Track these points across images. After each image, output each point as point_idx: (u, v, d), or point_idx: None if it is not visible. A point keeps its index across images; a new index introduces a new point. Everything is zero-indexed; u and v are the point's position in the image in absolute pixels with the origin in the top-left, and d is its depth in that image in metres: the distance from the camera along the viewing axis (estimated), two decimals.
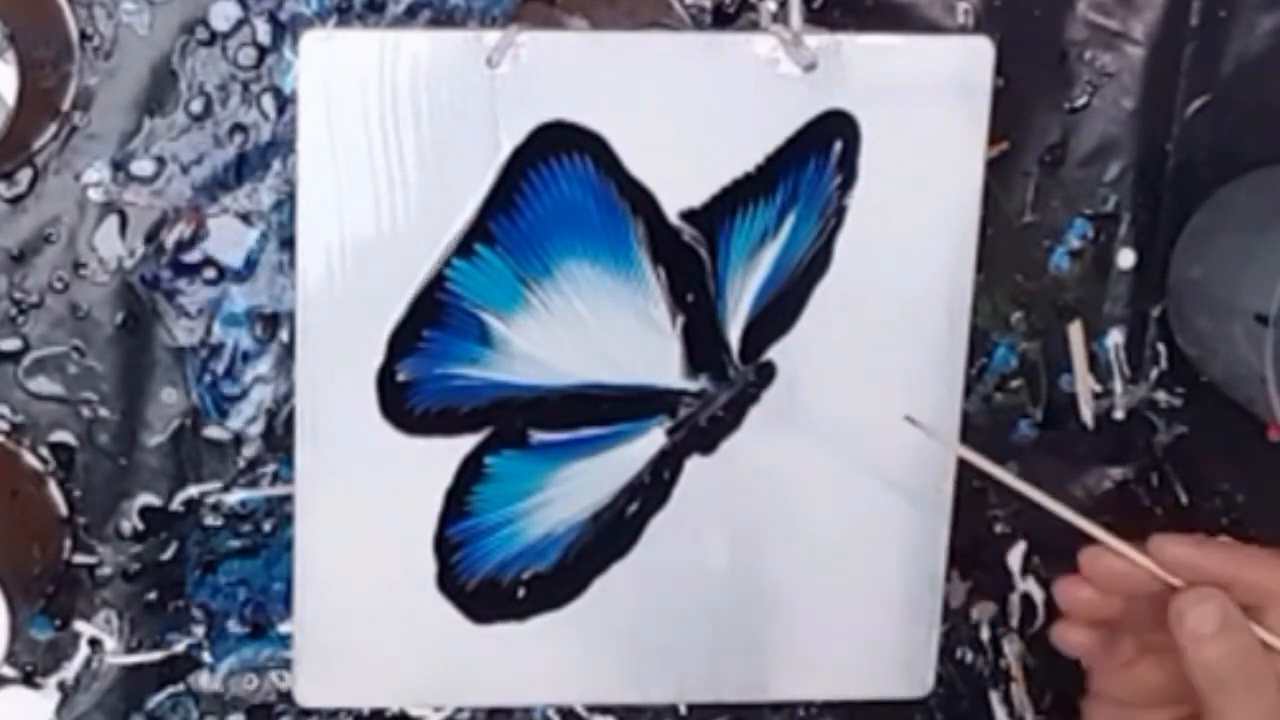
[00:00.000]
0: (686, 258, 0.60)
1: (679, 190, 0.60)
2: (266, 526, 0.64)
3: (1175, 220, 0.65)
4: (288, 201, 0.62)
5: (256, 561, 0.65)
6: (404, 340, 0.60)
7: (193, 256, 0.62)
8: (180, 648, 0.65)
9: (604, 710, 0.67)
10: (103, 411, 0.63)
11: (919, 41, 0.61)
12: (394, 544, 0.62)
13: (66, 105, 0.61)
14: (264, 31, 0.61)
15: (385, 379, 0.60)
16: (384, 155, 0.59)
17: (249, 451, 0.64)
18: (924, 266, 0.61)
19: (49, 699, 0.64)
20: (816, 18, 0.62)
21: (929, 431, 0.60)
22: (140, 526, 0.64)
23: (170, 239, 0.62)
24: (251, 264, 0.63)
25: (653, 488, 0.62)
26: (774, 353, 0.62)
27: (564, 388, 0.61)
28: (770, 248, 0.61)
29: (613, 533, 0.62)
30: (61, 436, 0.63)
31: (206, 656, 0.65)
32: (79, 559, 0.64)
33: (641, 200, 0.60)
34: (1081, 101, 0.65)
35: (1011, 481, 0.59)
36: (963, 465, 0.63)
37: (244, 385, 0.63)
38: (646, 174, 0.59)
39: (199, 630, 0.65)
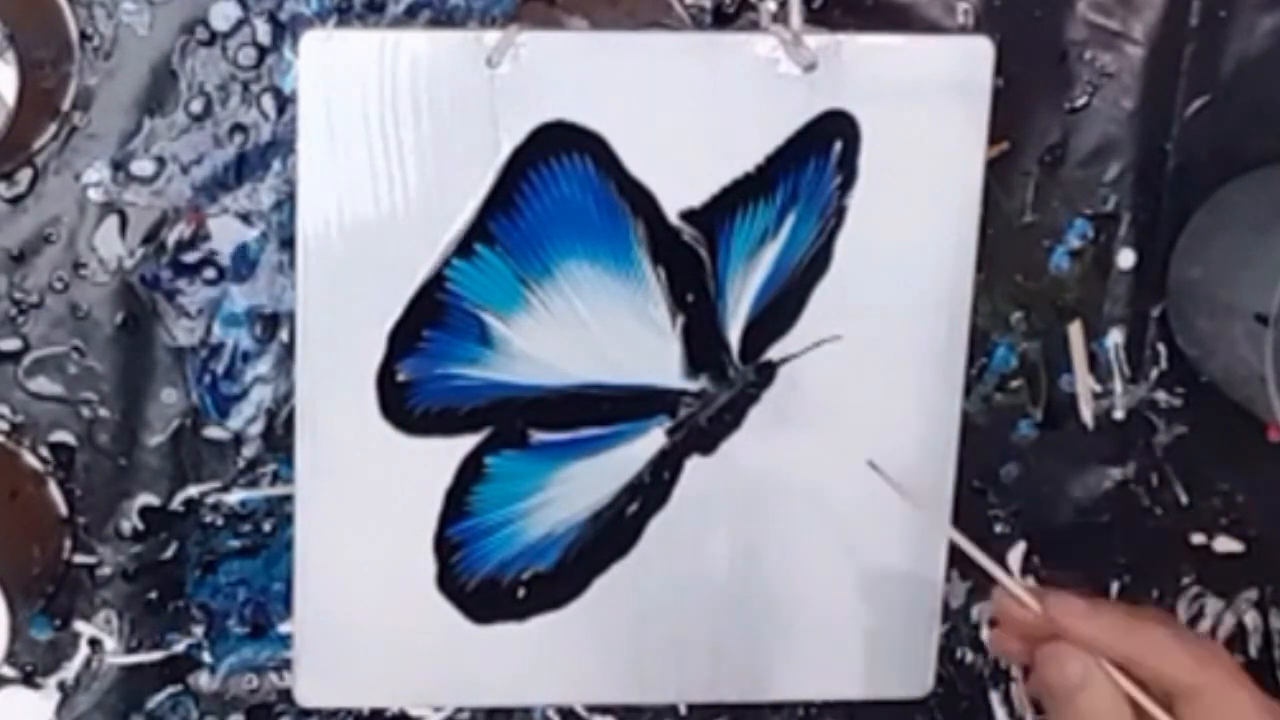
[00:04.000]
0: (686, 258, 0.60)
1: (679, 190, 0.60)
2: (266, 526, 0.64)
3: (1175, 220, 0.65)
4: (288, 201, 0.62)
5: (256, 561, 0.65)
6: (404, 340, 0.60)
7: (193, 256, 0.62)
8: (180, 648, 0.65)
9: (604, 710, 0.67)
10: (103, 411, 0.63)
11: (919, 41, 0.61)
12: (394, 544, 0.62)
13: (66, 105, 0.61)
14: (264, 31, 0.61)
15: (385, 379, 0.60)
16: (384, 155, 0.59)
17: (249, 451, 0.64)
18: (924, 266, 0.61)
19: (49, 699, 0.64)
20: (816, 18, 0.62)
21: (899, 487, 0.60)
22: (140, 526, 0.64)
23: (170, 239, 0.62)
24: (251, 264, 0.63)
25: (653, 488, 0.62)
26: (774, 353, 0.62)
27: (564, 388, 0.61)
28: (770, 248, 0.61)
29: (613, 533, 0.62)
30: (61, 436, 0.63)
31: (206, 656, 0.65)
32: (79, 559, 0.64)
33: (641, 200, 0.60)
34: (1081, 101, 0.65)
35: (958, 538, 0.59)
36: (963, 465, 0.63)
37: (244, 385, 0.63)
38: (646, 174, 0.59)
39: (199, 630, 0.65)
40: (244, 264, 0.63)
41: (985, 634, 0.68)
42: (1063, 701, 0.55)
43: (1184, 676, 0.54)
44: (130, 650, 0.65)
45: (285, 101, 0.62)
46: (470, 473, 0.61)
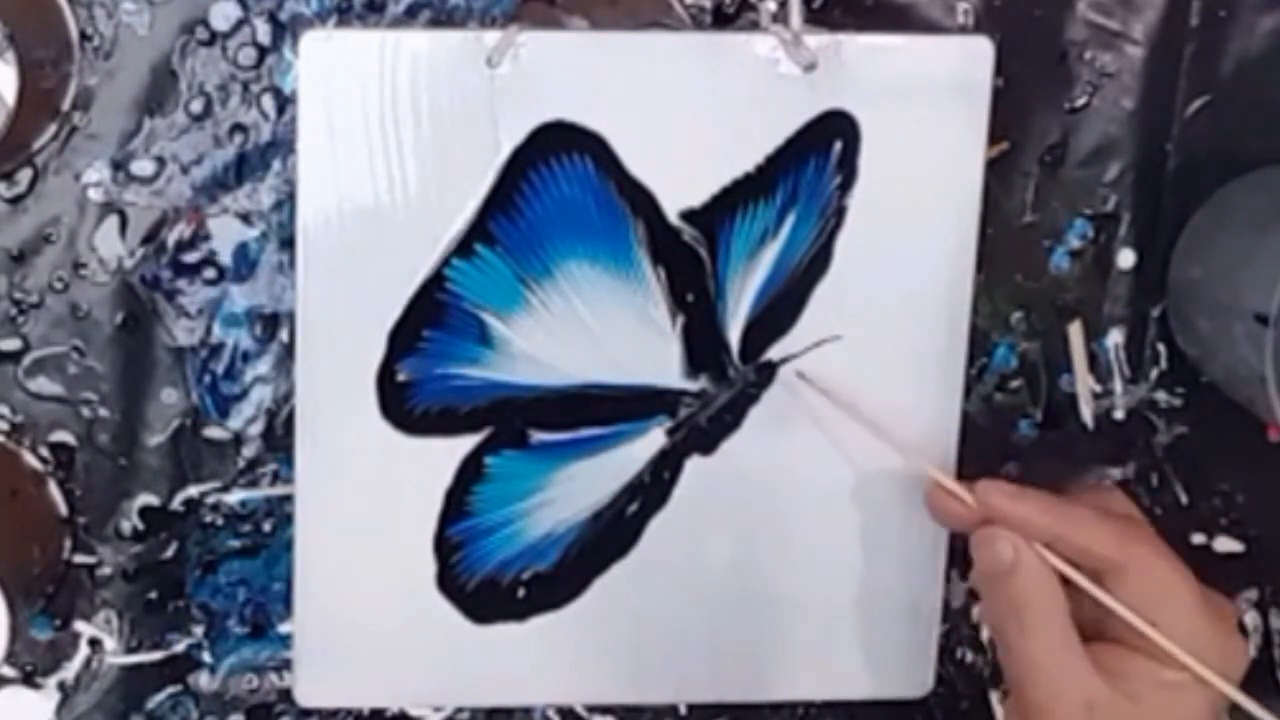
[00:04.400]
0: (686, 258, 0.60)
1: (679, 190, 0.60)
2: (266, 526, 0.64)
3: (1175, 220, 0.65)
4: (288, 201, 0.62)
5: (256, 561, 0.65)
6: (404, 340, 0.60)
7: (193, 256, 0.62)
8: (180, 648, 0.65)
9: (604, 710, 0.67)
10: (103, 411, 0.63)
11: (919, 41, 0.61)
12: (394, 544, 0.62)
13: (66, 105, 0.61)
14: (264, 31, 0.61)
15: (385, 379, 0.60)
16: (384, 155, 0.59)
17: (249, 451, 0.64)
18: (924, 266, 0.61)
19: (49, 699, 0.64)
20: (816, 18, 0.62)
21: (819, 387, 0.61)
22: (140, 526, 0.64)
23: (170, 239, 0.62)
24: (251, 264, 0.63)
25: (653, 488, 0.62)
26: (774, 353, 0.62)
27: (564, 388, 0.61)
28: (770, 248, 0.61)
29: (613, 533, 0.62)
30: (61, 436, 0.63)
31: (206, 656, 0.65)
32: (79, 559, 0.64)
33: (641, 200, 0.60)
34: (1081, 101, 0.65)
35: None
36: (963, 465, 0.63)
37: (244, 385, 0.63)
38: (646, 174, 0.59)
39: (199, 630, 0.65)
40: (244, 264, 0.62)
41: (985, 634, 0.68)
42: (996, 584, 0.56)
43: (1110, 552, 0.56)
44: (130, 650, 0.65)
45: (285, 101, 0.62)
46: (470, 473, 0.61)
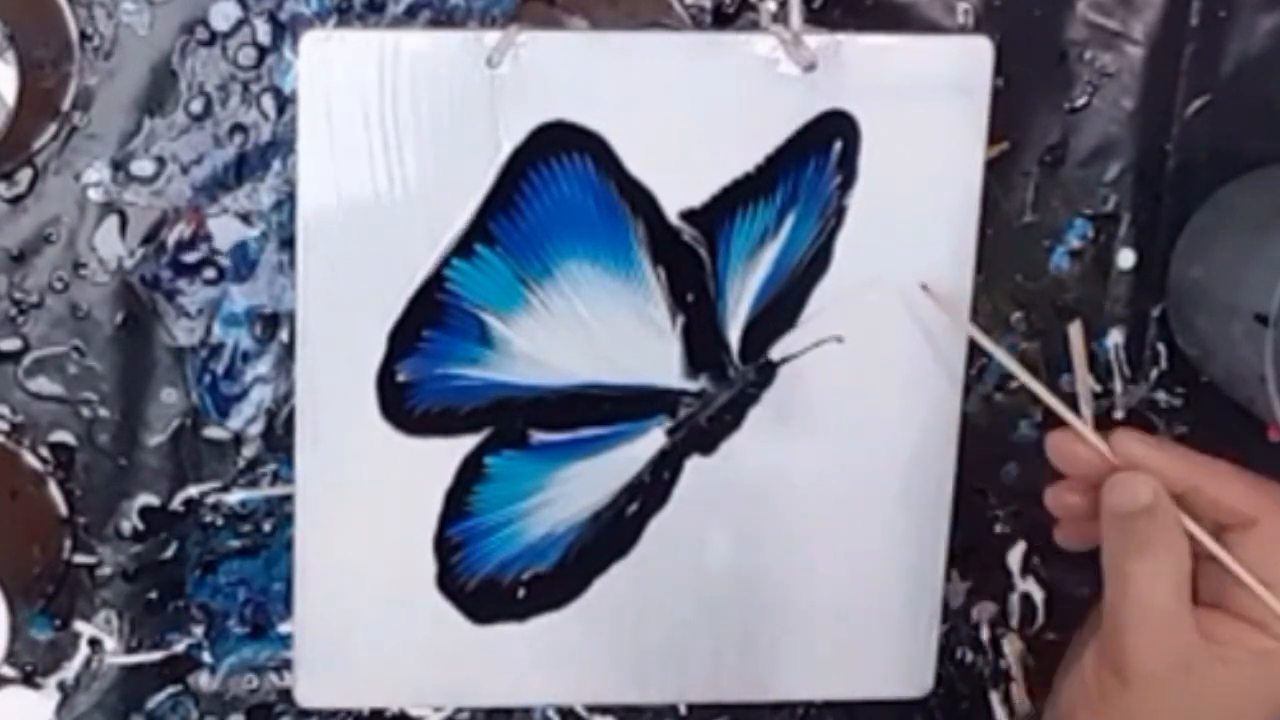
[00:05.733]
0: (686, 258, 0.60)
1: (679, 190, 0.60)
2: (266, 526, 0.64)
3: (1175, 220, 0.65)
4: (288, 201, 0.62)
5: (256, 561, 0.65)
6: (404, 340, 0.60)
7: (193, 256, 0.62)
8: (180, 648, 0.65)
9: (604, 710, 0.67)
10: (103, 411, 0.63)
11: (919, 41, 0.61)
12: (394, 544, 0.62)
13: (66, 105, 0.61)
14: (264, 31, 0.61)
15: (385, 379, 0.60)
16: (384, 155, 0.59)
17: (249, 451, 0.64)
18: (924, 266, 0.61)
19: (49, 699, 0.64)
20: (816, 18, 0.62)
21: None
22: (140, 526, 0.64)
23: (170, 239, 0.62)
24: (251, 264, 0.63)
25: (653, 488, 0.62)
26: (774, 353, 0.62)
27: (564, 388, 0.61)
28: (770, 248, 0.61)
29: (613, 533, 0.62)
30: (61, 436, 0.63)
31: (206, 656, 0.65)
32: (79, 559, 0.64)
33: (641, 200, 0.60)
34: (1081, 101, 0.65)
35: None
36: (963, 465, 0.63)
37: (244, 385, 0.63)
38: (646, 174, 0.59)
39: (199, 630, 0.65)
40: (244, 264, 0.62)
41: (985, 633, 0.68)
42: (1128, 525, 0.56)
43: (1242, 505, 0.56)
44: (130, 650, 0.65)
45: (285, 101, 0.62)
46: (470, 473, 0.61)
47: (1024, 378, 0.60)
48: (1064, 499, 0.59)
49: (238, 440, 0.64)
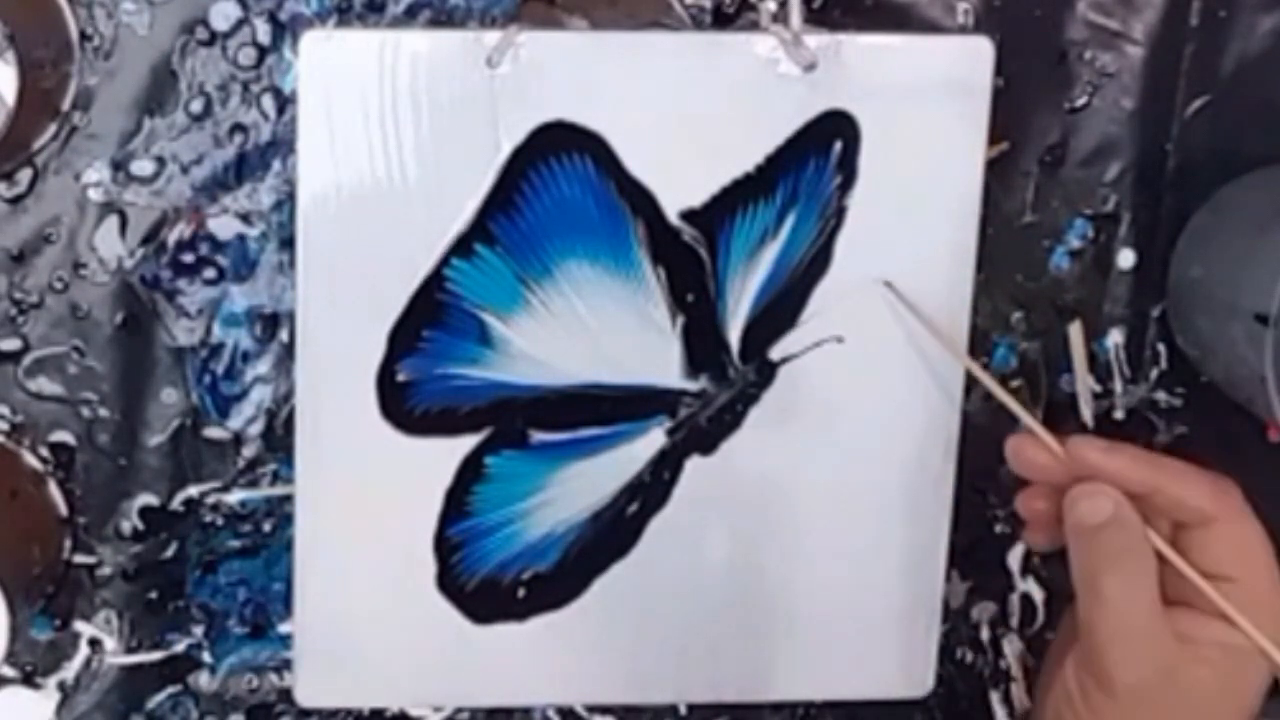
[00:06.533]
0: (686, 258, 0.60)
1: (679, 190, 0.60)
2: (266, 526, 0.64)
3: (1175, 220, 0.65)
4: (288, 201, 0.62)
5: (256, 561, 0.65)
6: (404, 340, 0.60)
7: (192, 256, 0.62)
8: (180, 648, 0.65)
9: (604, 710, 0.67)
10: (103, 411, 0.63)
11: (919, 41, 0.61)
12: (394, 544, 0.62)
13: (66, 105, 0.61)
14: (264, 31, 0.61)
15: (385, 379, 0.60)
16: (384, 155, 0.59)
17: (249, 451, 0.64)
18: (924, 266, 0.61)
19: (49, 699, 0.64)
20: (816, 18, 0.62)
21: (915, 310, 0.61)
22: (140, 526, 0.64)
23: (170, 239, 0.62)
24: (251, 264, 0.63)
25: (653, 488, 0.62)
26: (774, 353, 0.62)
27: (564, 388, 0.61)
28: (770, 248, 0.61)
29: (613, 533, 0.62)
30: (61, 436, 0.63)
31: (206, 656, 0.65)
32: (79, 559, 0.64)
33: (641, 200, 0.60)
34: (1081, 101, 0.65)
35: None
36: (963, 465, 0.63)
37: (244, 385, 0.63)
38: (646, 174, 0.60)
39: (199, 630, 0.65)
40: (244, 264, 0.63)
41: (985, 633, 0.68)
42: (1092, 539, 0.56)
43: (1203, 504, 0.56)
44: (130, 650, 0.65)
45: (285, 101, 0.62)
46: (470, 473, 0.61)
47: (981, 376, 0.60)
48: (1031, 504, 0.59)
49: (238, 440, 0.64)
